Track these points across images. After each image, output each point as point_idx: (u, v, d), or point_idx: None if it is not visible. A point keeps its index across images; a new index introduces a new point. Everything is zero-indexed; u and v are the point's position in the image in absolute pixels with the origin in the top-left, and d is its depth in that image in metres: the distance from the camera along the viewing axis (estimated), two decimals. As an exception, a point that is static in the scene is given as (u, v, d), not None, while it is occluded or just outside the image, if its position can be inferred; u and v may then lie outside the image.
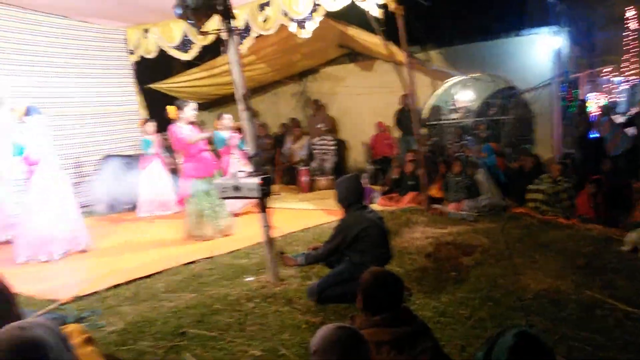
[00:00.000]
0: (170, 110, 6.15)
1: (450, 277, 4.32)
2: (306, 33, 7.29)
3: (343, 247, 3.89)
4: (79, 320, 3.60)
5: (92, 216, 7.64)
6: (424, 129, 9.58)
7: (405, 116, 9.07)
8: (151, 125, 8.15)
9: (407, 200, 7.57)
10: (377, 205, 7.52)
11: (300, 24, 7.30)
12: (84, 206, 7.18)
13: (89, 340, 2.82)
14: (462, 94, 10.01)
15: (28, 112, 5.57)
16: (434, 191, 7.49)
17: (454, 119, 10.07)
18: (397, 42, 7.33)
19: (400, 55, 7.49)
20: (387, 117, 10.08)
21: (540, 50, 8.67)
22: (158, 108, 9.34)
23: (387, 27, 7.05)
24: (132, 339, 3.33)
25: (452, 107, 10.18)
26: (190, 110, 6.15)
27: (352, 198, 3.99)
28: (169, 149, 8.51)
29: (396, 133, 10.13)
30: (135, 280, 4.57)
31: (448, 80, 9.76)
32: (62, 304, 4.02)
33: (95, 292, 4.28)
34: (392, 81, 8.44)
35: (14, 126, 5.91)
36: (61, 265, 5.42)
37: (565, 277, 4.22)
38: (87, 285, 4.50)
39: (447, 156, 8.73)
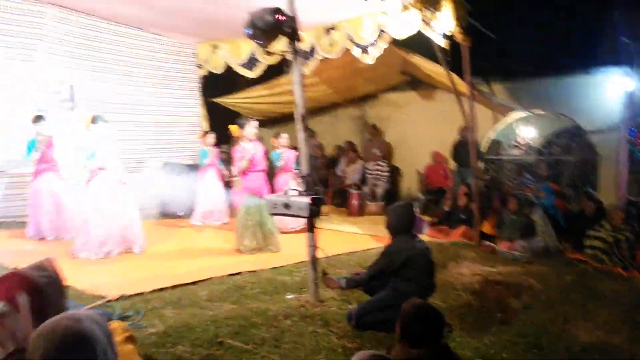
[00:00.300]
0: (233, 128, 6.35)
1: (495, 318, 4.17)
2: (369, 58, 7.37)
3: (387, 273, 3.84)
4: (122, 318, 3.71)
5: (147, 220, 7.91)
6: (482, 163, 9.39)
7: (462, 148, 8.92)
8: (211, 137, 8.41)
9: (457, 234, 7.39)
10: (426, 236, 7.38)
11: (365, 49, 7.39)
12: (141, 209, 7.47)
13: (129, 339, 2.91)
14: (525, 130, 9.76)
15: (95, 121, 5.90)
16: (487, 227, 7.28)
17: (514, 155, 9.82)
18: (460, 73, 7.27)
19: (463, 86, 7.41)
20: (444, 148, 9.94)
21: (610, 91, 8.34)
22: (219, 121, 9.67)
23: (451, 57, 7.01)
24: (170, 343, 3.40)
25: (513, 143, 9.93)
26: (251, 128, 6.31)
27: (402, 226, 3.95)
28: (225, 161, 8.74)
29: (452, 165, 9.97)
30: (180, 285, 4.68)
31: (510, 115, 9.56)
32: (109, 301, 4.16)
33: (141, 293, 4.41)
34: (452, 112, 8.34)
35: (81, 133, 6.28)
36: (113, 264, 5.63)
37: (619, 331, 3.98)
38: (133, 285, 4.64)
39: (504, 193, 8.50)
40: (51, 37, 7.84)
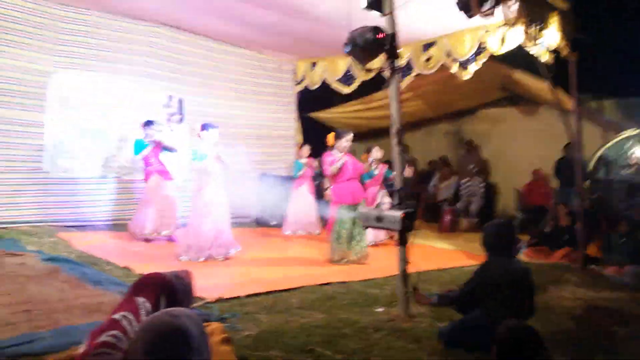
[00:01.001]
0: (330, 137, 6.50)
1: (599, 347, 3.89)
2: (467, 74, 7.23)
3: (481, 292, 3.72)
4: (220, 320, 3.89)
5: (242, 227, 8.26)
6: (587, 183, 8.83)
7: (566, 166, 8.46)
8: (306, 149, 8.65)
9: (558, 255, 7.00)
10: (523, 256, 7.07)
11: (463, 65, 7.26)
12: (237, 217, 7.81)
13: (227, 341, 3.06)
14: (638, 150, 9.06)
15: (204, 128, 6.28)
16: (592, 250, 6.83)
17: (625, 175, 9.14)
18: (566, 88, 6.91)
19: (569, 102, 7.04)
20: (545, 165, 9.48)
21: None
22: (312, 135, 9.94)
23: (557, 71, 6.68)
24: (263, 347, 3.51)
25: (624, 163, 9.26)
26: (344, 141, 6.41)
27: (499, 244, 3.80)
28: (319, 173, 8.93)
29: (554, 183, 9.48)
30: (273, 291, 4.83)
31: (622, 133, 8.93)
32: (208, 303, 4.39)
33: (237, 297, 4.60)
34: (555, 128, 7.93)
35: (190, 141, 6.71)
36: (213, 267, 5.93)
37: None
38: (230, 289, 4.85)
39: (612, 214, 7.92)
40: (162, 54, 8.50)
